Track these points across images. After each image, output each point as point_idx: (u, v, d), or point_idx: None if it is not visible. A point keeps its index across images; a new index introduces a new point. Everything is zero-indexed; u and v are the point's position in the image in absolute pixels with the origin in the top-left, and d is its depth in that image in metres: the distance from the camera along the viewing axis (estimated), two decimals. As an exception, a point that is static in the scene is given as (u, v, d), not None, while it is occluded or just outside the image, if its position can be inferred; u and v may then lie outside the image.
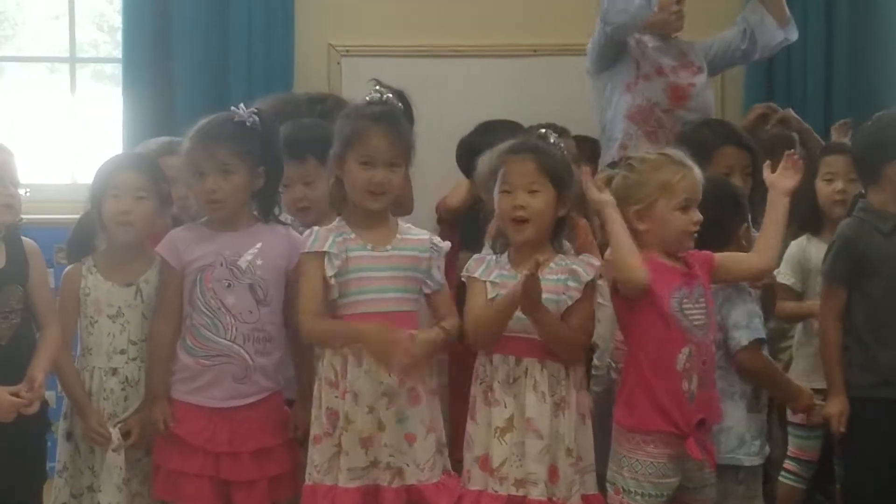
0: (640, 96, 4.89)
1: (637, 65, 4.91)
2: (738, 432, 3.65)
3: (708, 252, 3.56)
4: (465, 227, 4.58)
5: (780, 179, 3.61)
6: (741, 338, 3.63)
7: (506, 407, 3.42)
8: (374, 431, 3.39)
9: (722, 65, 5.16)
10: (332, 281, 3.43)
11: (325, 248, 3.44)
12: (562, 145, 3.63)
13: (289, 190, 3.88)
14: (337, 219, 3.54)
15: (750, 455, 3.67)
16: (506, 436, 3.41)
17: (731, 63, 5.18)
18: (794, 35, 5.04)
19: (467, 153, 4.57)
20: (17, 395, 3.51)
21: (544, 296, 3.37)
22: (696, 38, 5.07)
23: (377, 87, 3.58)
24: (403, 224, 3.59)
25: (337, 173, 3.52)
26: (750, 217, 3.85)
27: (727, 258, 3.59)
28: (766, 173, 3.66)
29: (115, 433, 3.64)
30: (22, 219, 3.78)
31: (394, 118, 3.51)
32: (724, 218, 3.71)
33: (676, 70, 4.92)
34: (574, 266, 3.47)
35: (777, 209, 3.59)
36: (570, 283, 3.45)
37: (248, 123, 3.60)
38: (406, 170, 3.56)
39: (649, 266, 3.42)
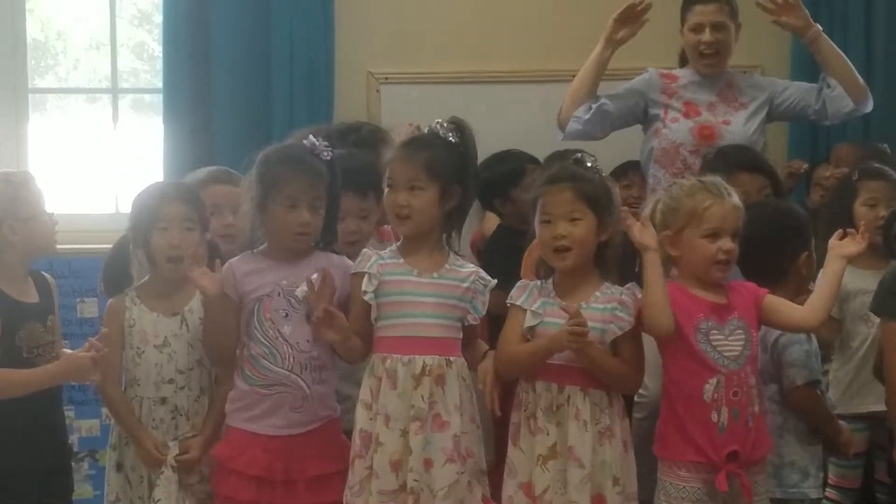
0: (665, 139, 4.85)
1: (665, 110, 4.88)
2: (801, 466, 3.63)
3: (759, 289, 3.53)
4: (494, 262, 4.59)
5: (843, 245, 3.49)
6: (796, 377, 3.62)
7: (548, 434, 3.41)
8: (404, 455, 3.40)
9: (791, 115, 5.03)
10: (370, 299, 3.45)
11: (365, 269, 3.47)
12: (599, 168, 3.62)
13: (342, 222, 3.85)
14: (395, 244, 3.58)
15: (816, 487, 3.66)
16: (548, 463, 3.40)
17: (803, 117, 5.04)
18: (866, 108, 4.89)
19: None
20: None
21: (591, 324, 3.37)
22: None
23: (438, 121, 3.58)
24: (455, 257, 3.59)
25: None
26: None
27: (779, 305, 3.52)
28: (832, 239, 3.55)
29: (174, 447, 3.67)
30: None
31: (420, 144, 3.52)
32: (784, 246, 3.69)
33: (713, 106, 4.86)
34: (623, 297, 3.46)
35: (833, 269, 3.49)
36: (619, 313, 3.44)
37: (325, 156, 3.62)
38: (438, 192, 3.50)
39: (674, 296, 3.42)
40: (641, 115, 4.95)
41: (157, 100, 5.75)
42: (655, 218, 3.56)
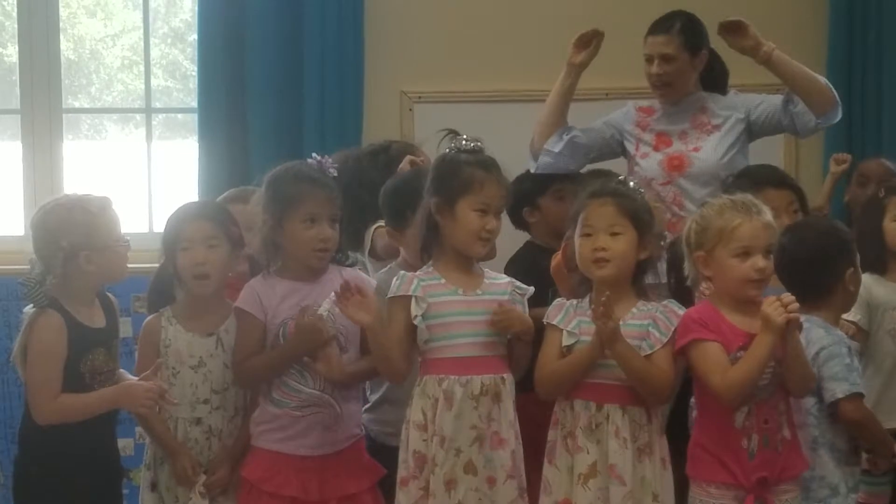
0: (637, 176, 4.64)
1: (637, 144, 4.81)
2: (831, 482, 3.60)
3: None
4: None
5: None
6: (836, 390, 3.58)
7: (588, 453, 3.40)
8: (461, 475, 3.39)
9: (770, 130, 4.78)
10: (419, 322, 3.44)
11: (409, 292, 3.45)
12: (642, 190, 3.62)
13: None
14: (426, 265, 3.54)
15: None
16: (589, 482, 3.39)
17: (778, 132, 4.85)
18: (832, 119, 4.64)
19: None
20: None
21: (629, 341, 3.37)
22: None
23: (465, 137, 3.58)
24: (488, 270, 3.60)
25: (436, 219, 3.51)
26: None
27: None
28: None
29: (202, 477, 3.66)
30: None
31: (499, 167, 3.55)
32: (832, 264, 3.67)
33: (685, 134, 4.73)
34: (657, 314, 3.46)
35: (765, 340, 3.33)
36: (652, 330, 3.44)
37: (332, 173, 3.65)
38: None
39: (710, 321, 3.40)
40: (618, 148, 4.87)
41: (190, 119, 5.78)
42: (690, 238, 3.53)
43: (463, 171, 3.49)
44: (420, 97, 5.63)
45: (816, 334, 3.61)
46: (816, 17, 5.81)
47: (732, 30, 4.53)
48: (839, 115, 4.66)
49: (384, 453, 3.72)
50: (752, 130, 4.75)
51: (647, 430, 3.41)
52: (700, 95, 4.78)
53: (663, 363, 3.42)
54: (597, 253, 3.44)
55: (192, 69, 5.87)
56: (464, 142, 3.57)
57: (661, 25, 4.74)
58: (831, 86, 4.57)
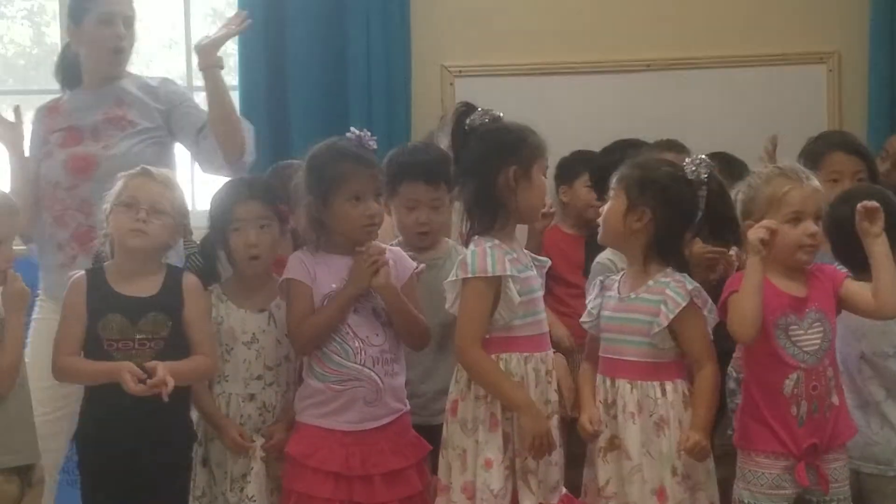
0: (43, 181, 4.27)
1: (43, 147, 4.35)
2: None
3: (838, 273, 3.51)
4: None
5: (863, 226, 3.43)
6: None
7: (606, 427, 3.44)
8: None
9: (180, 139, 4.40)
10: (517, 300, 3.40)
11: (507, 272, 3.39)
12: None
13: (413, 212, 3.89)
14: (489, 238, 3.45)
15: None
16: (608, 455, 3.43)
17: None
18: (240, 171, 4.27)
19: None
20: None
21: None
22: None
23: (482, 109, 3.52)
24: None
25: (512, 187, 3.43)
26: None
27: (858, 291, 3.46)
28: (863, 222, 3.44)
29: (259, 440, 3.69)
30: (194, 245, 3.91)
31: None
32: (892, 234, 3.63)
33: (97, 131, 4.28)
34: (668, 290, 3.41)
35: (880, 250, 3.42)
36: (662, 308, 3.40)
37: (371, 146, 3.64)
38: None
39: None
40: None
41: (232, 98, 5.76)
42: (737, 209, 3.53)
43: (532, 137, 3.49)
44: (461, 71, 5.62)
45: None
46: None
47: None
48: (246, 165, 4.33)
49: (423, 432, 3.74)
50: (172, 130, 4.39)
51: (661, 405, 3.39)
52: (119, 86, 4.40)
53: (692, 345, 3.43)
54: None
55: (232, 47, 5.85)
56: (488, 113, 3.51)
57: None
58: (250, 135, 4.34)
